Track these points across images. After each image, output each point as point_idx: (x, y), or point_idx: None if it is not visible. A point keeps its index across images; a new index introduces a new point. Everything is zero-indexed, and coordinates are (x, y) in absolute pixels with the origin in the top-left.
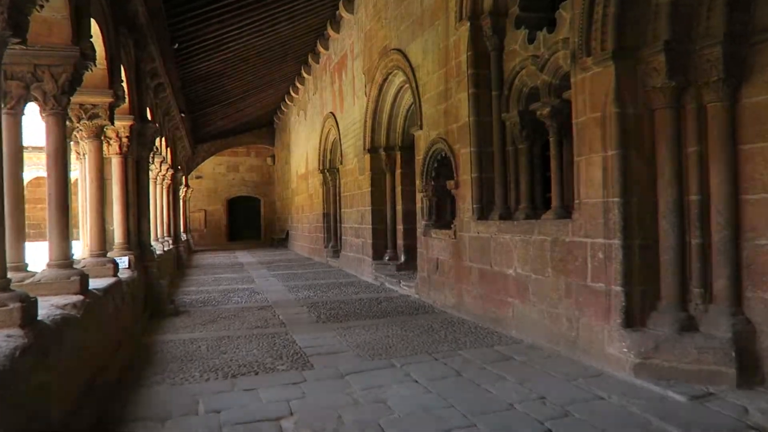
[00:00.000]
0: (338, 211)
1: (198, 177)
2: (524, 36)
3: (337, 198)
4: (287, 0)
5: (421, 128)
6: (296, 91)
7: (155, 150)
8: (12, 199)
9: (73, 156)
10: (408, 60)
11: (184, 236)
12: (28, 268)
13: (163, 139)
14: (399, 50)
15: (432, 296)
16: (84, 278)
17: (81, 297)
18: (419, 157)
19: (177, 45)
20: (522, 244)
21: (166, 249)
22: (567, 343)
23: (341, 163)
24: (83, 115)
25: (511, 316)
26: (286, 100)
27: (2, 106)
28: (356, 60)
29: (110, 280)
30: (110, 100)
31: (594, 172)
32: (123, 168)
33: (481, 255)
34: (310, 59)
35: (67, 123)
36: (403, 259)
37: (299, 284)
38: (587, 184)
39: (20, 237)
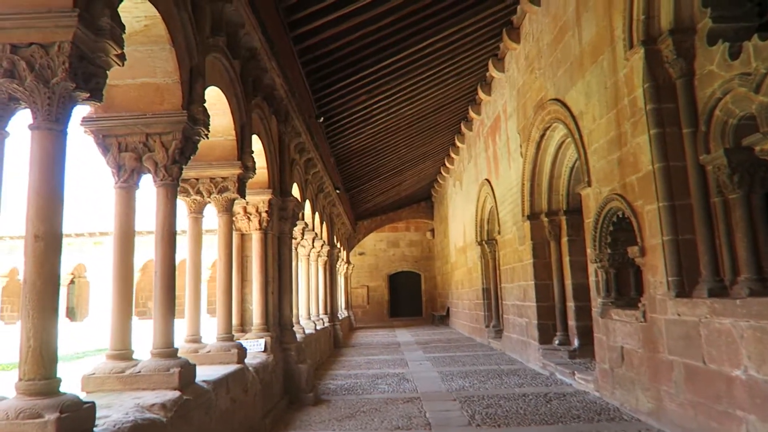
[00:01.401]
0: (498, 286)
1: (360, 253)
2: (723, 52)
3: (497, 272)
4: (435, 65)
5: (588, 185)
6: (451, 162)
7: (306, 226)
8: (120, 278)
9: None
10: (568, 109)
11: (345, 313)
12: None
13: (317, 215)
14: (557, 100)
15: (617, 395)
16: (186, 370)
17: (177, 393)
18: (589, 221)
19: (322, 119)
20: (753, 332)
21: (319, 328)
22: None
23: (499, 233)
24: (213, 189)
25: None
26: (442, 171)
27: (116, 179)
28: (510, 120)
29: (230, 369)
30: (239, 171)
31: None
32: (262, 244)
33: (685, 346)
34: (462, 127)
35: (197, 197)
36: (576, 343)
37: (454, 371)
38: None
39: (126, 321)
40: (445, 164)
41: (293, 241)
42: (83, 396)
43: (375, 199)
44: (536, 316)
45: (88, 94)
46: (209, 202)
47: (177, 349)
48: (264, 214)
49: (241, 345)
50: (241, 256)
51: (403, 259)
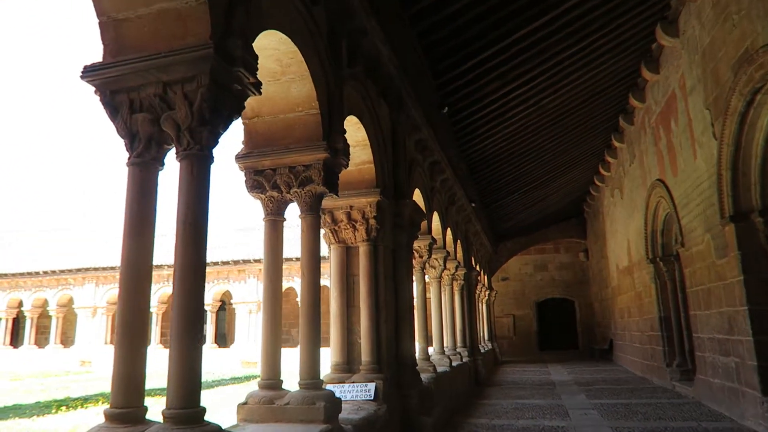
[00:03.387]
0: (682, 313)
1: (503, 279)
2: None
3: (679, 295)
4: (583, 37)
5: None
6: (607, 168)
7: (433, 242)
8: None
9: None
10: None
11: (488, 345)
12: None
13: (449, 231)
14: None
15: None
16: None
17: None
18: None
19: (446, 109)
20: None
21: (455, 364)
22: None
23: (681, 245)
24: (293, 182)
25: None
26: (596, 181)
27: (129, 153)
28: (691, 95)
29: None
30: (324, 155)
31: None
32: (371, 258)
33: None
34: (621, 122)
35: (274, 194)
36: None
37: (636, 428)
38: None
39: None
40: (598, 171)
41: (418, 259)
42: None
43: (516, 217)
44: (754, 356)
45: None
46: (290, 200)
47: (203, 410)
48: (372, 221)
49: (331, 395)
50: (345, 274)
51: (553, 285)
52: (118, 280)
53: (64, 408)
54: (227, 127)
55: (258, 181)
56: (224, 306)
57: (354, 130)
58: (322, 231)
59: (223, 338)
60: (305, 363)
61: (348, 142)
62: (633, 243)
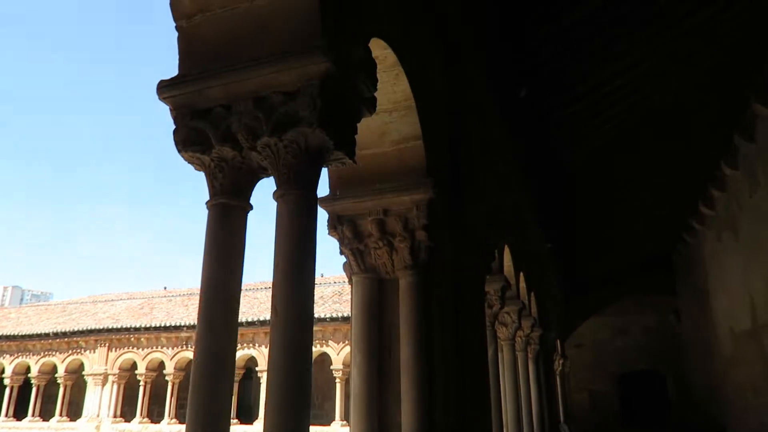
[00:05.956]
0: None
1: (577, 345)
2: None
3: None
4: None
5: None
6: (710, 205)
7: (507, 286)
8: None
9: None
10: None
11: (564, 429)
12: None
13: (521, 276)
14: None
15: None
16: None
17: None
18: None
19: (524, 92)
20: None
21: None
22: None
23: None
24: (261, 125)
25: None
26: (693, 223)
27: None
28: None
29: None
30: (322, 65)
31: None
32: (419, 298)
33: None
34: (735, 140)
35: (225, 150)
36: None
37: None
38: None
39: None
40: (698, 210)
41: (486, 309)
42: None
43: (587, 267)
44: None
45: None
46: (260, 165)
47: None
48: (420, 234)
49: None
50: (377, 325)
51: (638, 353)
52: None
53: None
54: None
55: (198, 129)
56: (250, 374)
57: (388, 79)
58: (342, 258)
59: (249, 412)
60: None
61: (378, 105)
62: (761, 297)
